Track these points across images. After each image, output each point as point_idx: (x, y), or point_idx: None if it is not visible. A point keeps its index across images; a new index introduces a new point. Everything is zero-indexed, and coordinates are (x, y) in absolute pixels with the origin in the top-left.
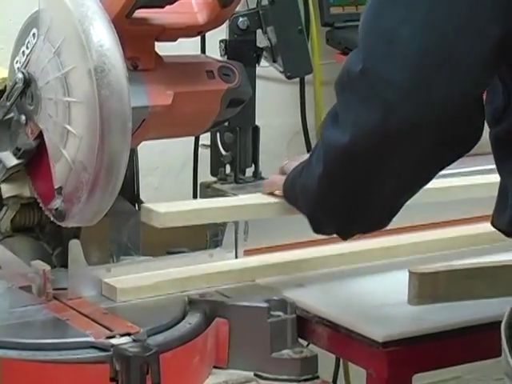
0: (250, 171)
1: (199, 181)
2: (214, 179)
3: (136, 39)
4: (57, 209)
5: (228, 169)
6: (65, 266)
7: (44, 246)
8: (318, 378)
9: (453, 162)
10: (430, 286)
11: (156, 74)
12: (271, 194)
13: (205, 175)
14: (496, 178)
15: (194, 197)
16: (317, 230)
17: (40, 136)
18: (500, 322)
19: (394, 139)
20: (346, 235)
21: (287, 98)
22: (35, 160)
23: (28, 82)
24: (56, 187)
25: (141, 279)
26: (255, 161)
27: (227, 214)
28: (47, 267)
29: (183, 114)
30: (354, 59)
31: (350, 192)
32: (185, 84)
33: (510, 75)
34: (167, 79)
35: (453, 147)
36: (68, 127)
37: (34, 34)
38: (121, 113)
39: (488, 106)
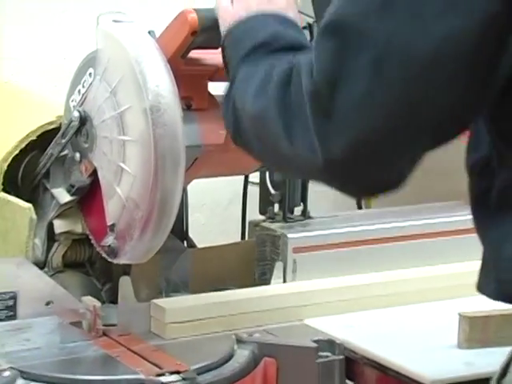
0: (298, 210)
1: (247, 219)
2: (261, 217)
3: (190, 79)
4: (109, 246)
5: (276, 207)
6: (114, 301)
7: (94, 282)
8: None
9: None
10: (480, 330)
11: (209, 114)
12: None
13: (251, 212)
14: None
15: (243, 235)
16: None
17: (94, 173)
18: None
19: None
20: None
21: None
22: (88, 197)
23: (84, 120)
24: (109, 224)
25: (190, 316)
26: (304, 200)
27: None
28: (97, 303)
29: (235, 152)
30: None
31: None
32: None
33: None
34: (220, 119)
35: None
36: (122, 165)
37: (90, 74)
38: (175, 152)
39: (472, 154)
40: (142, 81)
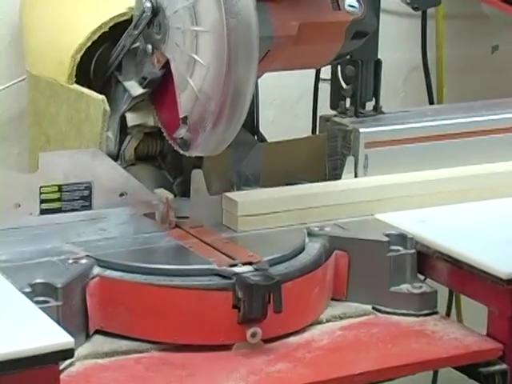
0: (370, 105)
1: (318, 114)
2: (333, 113)
3: None
4: (182, 138)
5: (348, 102)
6: (185, 195)
7: (165, 175)
8: (437, 313)
9: None
10: None
11: (281, 5)
12: None
13: (322, 109)
14: None
15: (313, 130)
16: None
17: (166, 65)
18: None
19: None
20: None
21: (404, 32)
22: (160, 90)
23: (156, 11)
24: (181, 116)
25: (261, 209)
26: (376, 95)
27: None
28: (170, 195)
29: (308, 44)
30: None
31: None
32: (310, 15)
33: None
34: (292, 10)
35: None
36: (195, 57)
37: None
38: (248, 42)
39: None
40: None
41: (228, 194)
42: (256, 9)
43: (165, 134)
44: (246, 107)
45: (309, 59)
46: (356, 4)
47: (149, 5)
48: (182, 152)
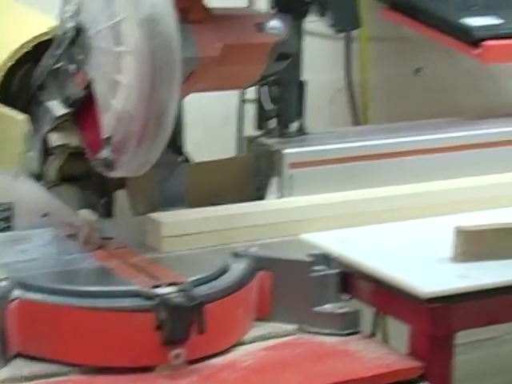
0: (294, 126)
1: (243, 135)
2: (258, 133)
3: None
4: (105, 158)
5: (273, 123)
6: (110, 216)
7: (90, 196)
8: (359, 332)
9: None
10: (475, 244)
11: (205, 26)
12: None
13: (248, 130)
14: None
15: (239, 151)
16: None
17: (89, 86)
18: None
19: None
20: None
21: (330, 53)
22: (83, 111)
23: (79, 31)
24: (105, 137)
25: (185, 229)
26: (300, 115)
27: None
28: (94, 216)
29: (231, 66)
30: None
31: None
32: (234, 36)
33: None
34: (216, 31)
35: None
36: (118, 77)
37: None
38: (171, 63)
39: None
40: None
41: (152, 214)
42: (178, 30)
43: (88, 155)
44: (169, 127)
45: (233, 80)
46: (279, 26)
47: (71, 25)
48: (105, 173)
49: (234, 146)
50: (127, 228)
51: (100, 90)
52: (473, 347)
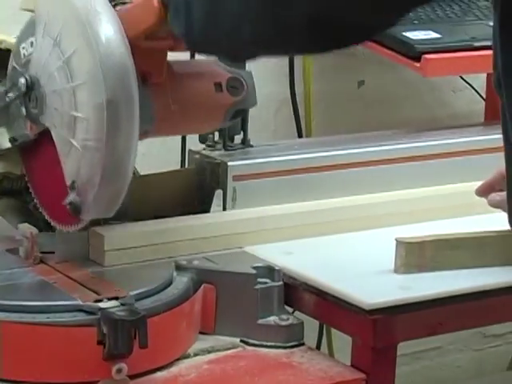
0: (238, 138)
1: (187, 148)
2: (202, 146)
3: (149, 54)
4: (71, 203)
5: (217, 136)
6: (52, 229)
7: (31, 210)
8: (303, 344)
9: None
10: (416, 255)
11: (164, 89)
12: None
13: (192, 143)
14: None
15: (183, 164)
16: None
17: (41, 133)
18: (485, 291)
19: None
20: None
21: (274, 67)
22: (36, 173)
23: (31, 86)
24: (69, 183)
25: (128, 243)
26: (244, 128)
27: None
28: (34, 230)
29: (187, 124)
30: None
31: None
32: (192, 98)
33: None
34: (174, 93)
35: None
36: (75, 114)
37: (31, 43)
38: (126, 88)
39: None
40: (86, 17)
41: (95, 228)
42: (131, 58)
43: (45, 215)
44: (132, 158)
45: (187, 132)
46: (238, 86)
47: (23, 81)
48: (74, 217)
49: (179, 159)
50: (69, 242)
51: (58, 134)
52: (416, 358)
